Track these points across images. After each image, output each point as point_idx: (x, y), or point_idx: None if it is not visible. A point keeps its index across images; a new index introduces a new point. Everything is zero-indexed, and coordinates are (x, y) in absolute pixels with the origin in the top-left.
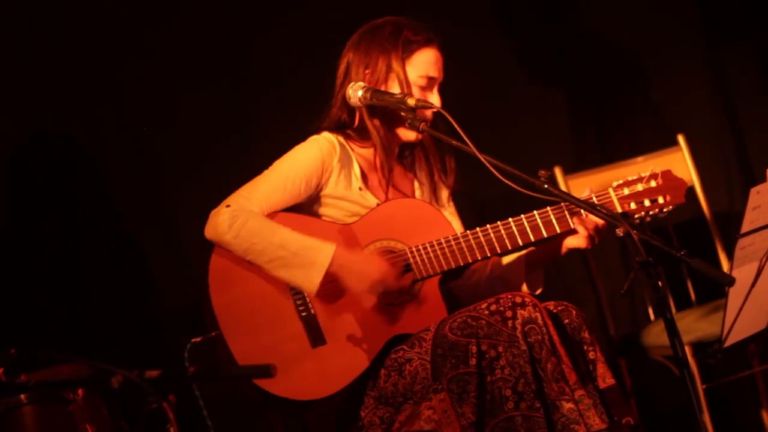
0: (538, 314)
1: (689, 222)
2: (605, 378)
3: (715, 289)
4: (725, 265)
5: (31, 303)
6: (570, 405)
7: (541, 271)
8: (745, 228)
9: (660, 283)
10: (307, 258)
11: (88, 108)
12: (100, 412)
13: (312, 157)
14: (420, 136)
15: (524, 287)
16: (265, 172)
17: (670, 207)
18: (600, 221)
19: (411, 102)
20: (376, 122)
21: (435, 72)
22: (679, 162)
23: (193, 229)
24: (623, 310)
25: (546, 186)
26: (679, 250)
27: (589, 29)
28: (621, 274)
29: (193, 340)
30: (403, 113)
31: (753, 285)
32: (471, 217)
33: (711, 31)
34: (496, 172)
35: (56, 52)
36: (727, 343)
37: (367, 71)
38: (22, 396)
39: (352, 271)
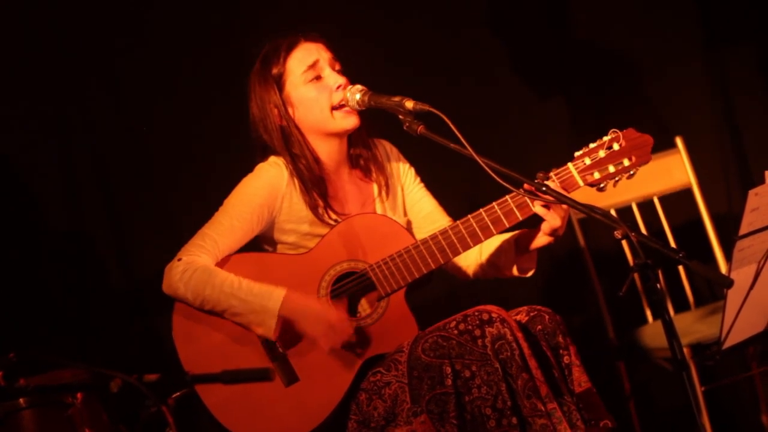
0: (506, 330)
1: (688, 224)
2: (581, 382)
3: (713, 292)
4: (723, 267)
5: (30, 307)
6: (543, 421)
7: (534, 253)
8: (743, 230)
9: (658, 285)
10: (257, 304)
11: (86, 109)
12: (99, 416)
13: (259, 190)
14: (357, 123)
15: (514, 270)
16: (215, 215)
17: (637, 168)
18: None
19: (409, 105)
20: (295, 150)
21: (311, 58)
22: (678, 164)
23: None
24: (621, 312)
25: (544, 188)
26: (678, 252)
27: (586, 32)
28: (619, 276)
29: (174, 395)
30: (401, 116)
31: (751, 287)
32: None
33: (710, 34)
34: (493, 175)
35: (53, 48)
36: (726, 345)
37: (273, 112)
38: (21, 400)
39: (306, 316)
